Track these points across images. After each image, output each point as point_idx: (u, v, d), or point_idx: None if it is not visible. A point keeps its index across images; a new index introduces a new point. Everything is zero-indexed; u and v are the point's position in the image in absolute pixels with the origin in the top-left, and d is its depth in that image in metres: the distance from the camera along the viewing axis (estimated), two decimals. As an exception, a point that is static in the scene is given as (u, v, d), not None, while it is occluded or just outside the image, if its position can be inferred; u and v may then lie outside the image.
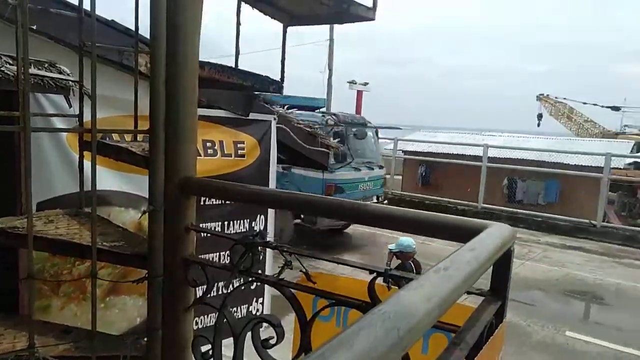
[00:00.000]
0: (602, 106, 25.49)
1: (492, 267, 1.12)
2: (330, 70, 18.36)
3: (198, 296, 1.65)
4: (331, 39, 17.99)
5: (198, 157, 3.08)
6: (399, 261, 5.52)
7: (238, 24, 2.51)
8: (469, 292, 1.16)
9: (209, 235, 2.02)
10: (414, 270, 5.40)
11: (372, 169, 10.04)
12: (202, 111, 3.31)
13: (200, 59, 2.49)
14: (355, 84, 19.35)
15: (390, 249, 5.60)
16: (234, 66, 2.48)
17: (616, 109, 25.71)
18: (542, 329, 6.32)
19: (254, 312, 3.30)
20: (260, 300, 3.34)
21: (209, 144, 3.12)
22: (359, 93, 19.52)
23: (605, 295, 7.80)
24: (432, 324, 0.61)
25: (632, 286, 8.11)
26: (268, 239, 1.46)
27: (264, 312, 3.37)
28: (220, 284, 2.51)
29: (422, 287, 0.63)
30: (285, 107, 9.76)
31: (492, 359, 0.99)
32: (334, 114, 9.76)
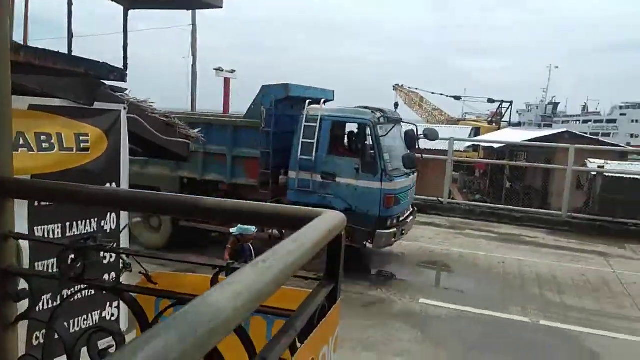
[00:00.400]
0: (447, 96, 28.69)
1: (327, 252, 1.18)
2: (194, 56, 17.67)
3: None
4: (194, 24, 17.28)
5: (31, 153, 2.72)
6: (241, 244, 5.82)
7: (70, 4, 2.25)
8: (306, 278, 1.22)
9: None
10: (252, 252, 5.77)
11: (414, 172, 8.57)
12: (34, 100, 2.92)
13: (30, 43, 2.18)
14: (222, 71, 18.79)
15: (232, 232, 5.88)
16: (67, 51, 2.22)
17: (457, 98, 29.09)
18: (400, 299, 6.96)
19: (108, 318, 3.05)
20: (115, 304, 3.10)
21: (43, 138, 2.76)
22: (227, 81, 19.05)
23: (451, 264, 8.87)
24: (242, 319, 0.62)
25: (472, 254, 9.33)
26: (121, 239, 1.35)
27: (121, 316, 3.15)
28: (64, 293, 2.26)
29: (232, 284, 0.63)
30: (323, 101, 7.84)
31: (325, 340, 1.05)
32: (381, 110, 8.08)
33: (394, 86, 33.14)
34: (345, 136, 8.60)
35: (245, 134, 7.91)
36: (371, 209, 7.34)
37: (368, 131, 7.65)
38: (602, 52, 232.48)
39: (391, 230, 7.56)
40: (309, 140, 7.59)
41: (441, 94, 29.29)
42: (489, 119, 27.10)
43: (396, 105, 32.48)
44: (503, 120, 25.74)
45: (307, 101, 7.87)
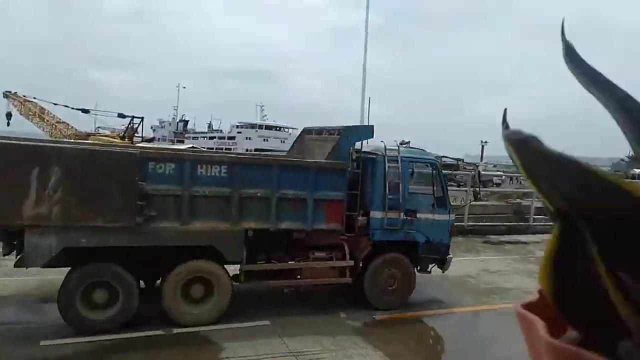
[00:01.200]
0: (73, 108, 26.21)
1: None
2: None
3: None
4: None
5: None
6: None
7: None
8: None
9: None
10: None
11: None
12: None
13: None
14: None
15: None
16: None
17: (86, 111, 27.06)
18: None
19: None
20: None
21: None
22: None
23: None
24: None
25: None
26: None
27: None
28: None
29: None
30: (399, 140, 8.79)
31: None
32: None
33: (4, 93, 27.83)
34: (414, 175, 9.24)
35: (329, 176, 7.61)
36: (443, 238, 8.49)
37: (436, 170, 8.71)
38: (224, 77, 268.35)
39: (451, 255, 8.77)
40: (396, 180, 8.09)
41: (66, 106, 26.45)
42: (122, 134, 26.52)
43: (9, 115, 27.48)
44: (137, 135, 25.69)
45: (382, 142, 8.45)
